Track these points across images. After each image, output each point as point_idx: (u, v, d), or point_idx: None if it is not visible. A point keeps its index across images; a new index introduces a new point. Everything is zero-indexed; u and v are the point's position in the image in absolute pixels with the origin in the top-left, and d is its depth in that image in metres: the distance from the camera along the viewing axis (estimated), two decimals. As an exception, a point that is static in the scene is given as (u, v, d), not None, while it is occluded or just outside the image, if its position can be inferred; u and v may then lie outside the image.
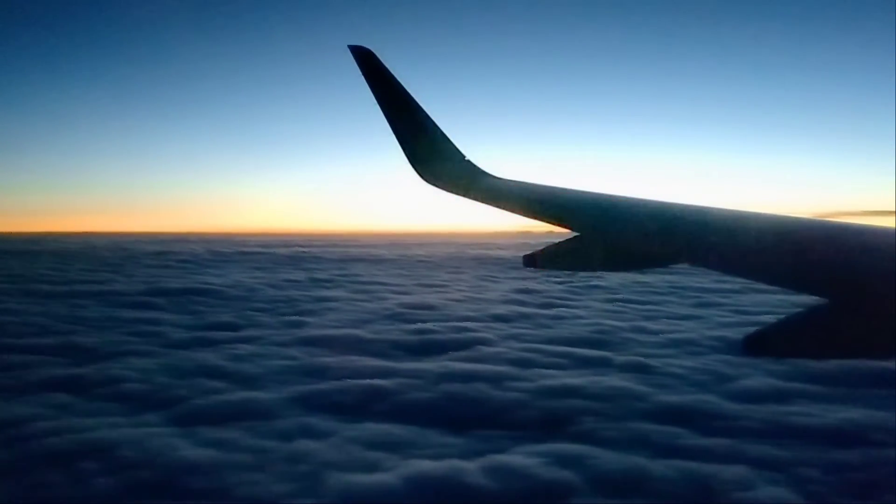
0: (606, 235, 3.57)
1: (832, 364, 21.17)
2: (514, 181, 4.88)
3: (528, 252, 3.78)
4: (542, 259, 3.78)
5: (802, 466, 14.21)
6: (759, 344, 2.16)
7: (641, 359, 23.86)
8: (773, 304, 37.55)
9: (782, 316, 2.23)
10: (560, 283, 48.50)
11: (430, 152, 4.88)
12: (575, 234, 3.62)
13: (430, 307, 37.72)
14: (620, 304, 39.61)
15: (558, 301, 40.61)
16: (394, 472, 13.32)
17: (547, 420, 17.14)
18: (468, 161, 5.05)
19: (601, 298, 41.96)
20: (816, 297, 2.12)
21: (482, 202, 4.45)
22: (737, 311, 36.51)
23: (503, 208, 4.23)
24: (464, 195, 4.64)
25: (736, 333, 28.53)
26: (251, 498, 12.28)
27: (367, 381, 20.46)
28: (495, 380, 20.63)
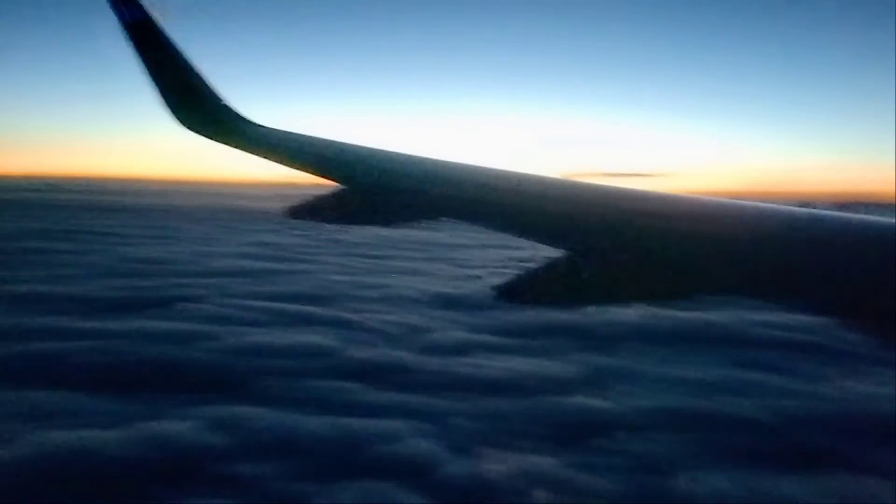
0: (371, 189, 3.54)
1: (529, 317, 22.81)
2: (278, 130, 4.63)
3: (289, 204, 3.60)
4: (303, 211, 3.63)
5: (453, 416, 15.10)
6: (509, 293, 2.37)
7: (348, 314, 24.17)
8: (500, 259, 40.21)
9: (504, 272, 2.28)
10: (302, 236, 47.93)
11: (184, 93, 4.42)
12: (341, 187, 3.54)
13: (151, 261, 35.58)
14: (354, 258, 40.03)
15: (292, 255, 40.19)
16: (13, 446, 12.16)
17: (221, 381, 16.72)
18: (226, 105, 4.64)
19: (338, 253, 42.09)
20: (556, 251, 2.32)
21: (242, 151, 4.22)
22: (461, 266, 38.45)
23: (265, 157, 4.05)
24: (223, 142, 4.35)
25: (450, 288, 29.93)
26: None
27: (38, 345, 18.70)
28: (185, 339, 19.81)
